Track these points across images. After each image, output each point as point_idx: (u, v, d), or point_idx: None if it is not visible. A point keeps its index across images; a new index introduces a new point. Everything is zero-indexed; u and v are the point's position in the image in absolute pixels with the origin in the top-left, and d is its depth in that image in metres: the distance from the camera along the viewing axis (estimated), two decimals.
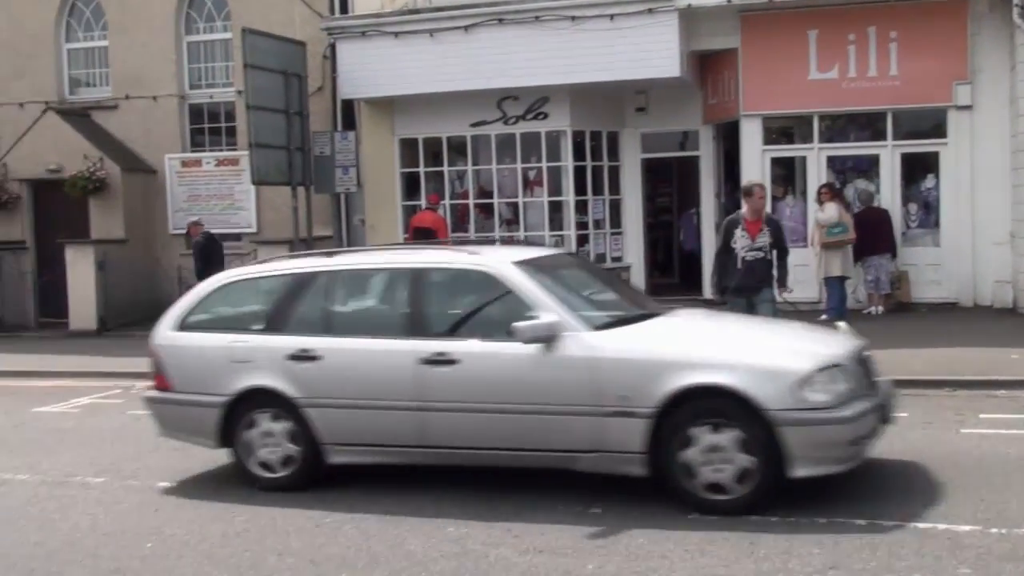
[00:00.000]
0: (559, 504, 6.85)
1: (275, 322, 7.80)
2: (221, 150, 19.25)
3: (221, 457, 8.14)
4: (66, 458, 9.25)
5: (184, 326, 8.06)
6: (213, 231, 17.30)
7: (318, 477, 7.55)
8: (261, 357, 7.60)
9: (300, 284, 7.92)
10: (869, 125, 16.22)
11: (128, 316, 17.66)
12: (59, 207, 18.79)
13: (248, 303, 8.33)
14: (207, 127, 19.58)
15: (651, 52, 15.59)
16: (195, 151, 19.42)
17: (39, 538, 6.82)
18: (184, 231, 17.99)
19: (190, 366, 7.91)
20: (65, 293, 17.97)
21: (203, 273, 16.44)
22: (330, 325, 7.78)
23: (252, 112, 16.04)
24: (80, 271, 17.86)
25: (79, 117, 19.28)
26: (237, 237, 18.79)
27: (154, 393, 8.18)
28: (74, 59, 20.07)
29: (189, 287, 9.85)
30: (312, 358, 7.42)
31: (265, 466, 7.61)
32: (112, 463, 8.92)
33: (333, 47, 17.69)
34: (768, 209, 11.61)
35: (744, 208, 10.48)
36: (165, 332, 8.10)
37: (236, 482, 7.86)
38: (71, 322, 17.98)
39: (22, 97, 19.69)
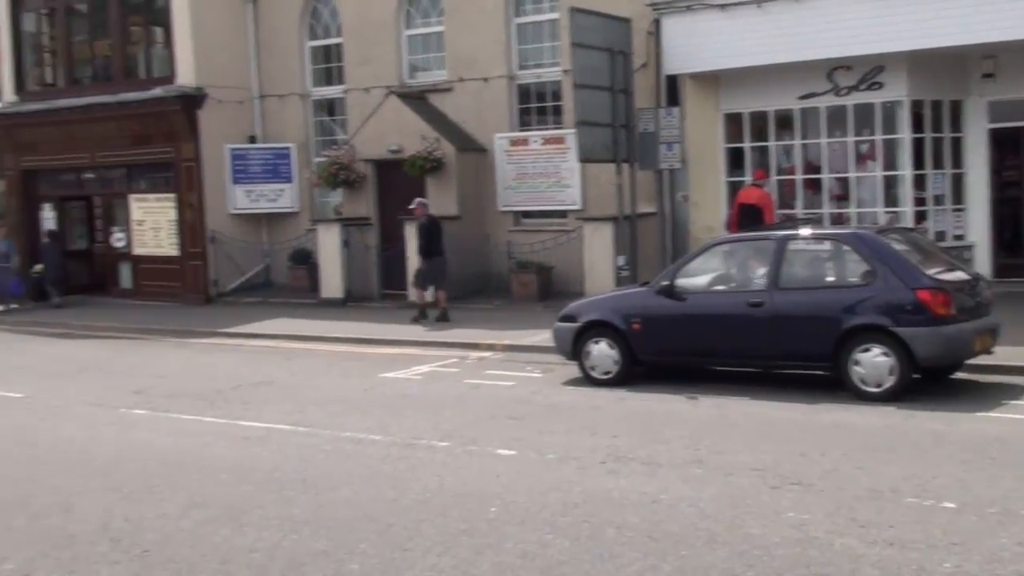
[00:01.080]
0: (905, 497, 6.53)
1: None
2: (547, 129, 19.73)
3: (555, 428, 8.38)
4: (411, 422, 9.86)
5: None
6: (533, 207, 17.75)
7: None
8: None
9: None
10: None
11: (460, 289, 18.54)
12: (399, 185, 20.00)
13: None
14: (534, 106, 20.13)
15: (1003, 11, 14.36)
16: (523, 130, 20.02)
17: (394, 495, 7.30)
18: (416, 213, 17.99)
19: None
20: (403, 267, 19.10)
21: (426, 251, 17.29)
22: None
23: (578, 90, 16.29)
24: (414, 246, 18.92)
25: (417, 100, 20.40)
26: (562, 214, 19.25)
27: None
28: (413, 45, 21.24)
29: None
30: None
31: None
32: (454, 428, 9.41)
33: (657, 23, 17.62)
34: None
35: None
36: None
37: (571, 455, 8.08)
38: (409, 294, 19.10)
39: (367, 83, 21.12)
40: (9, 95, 24.77)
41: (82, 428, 10.38)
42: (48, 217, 24.65)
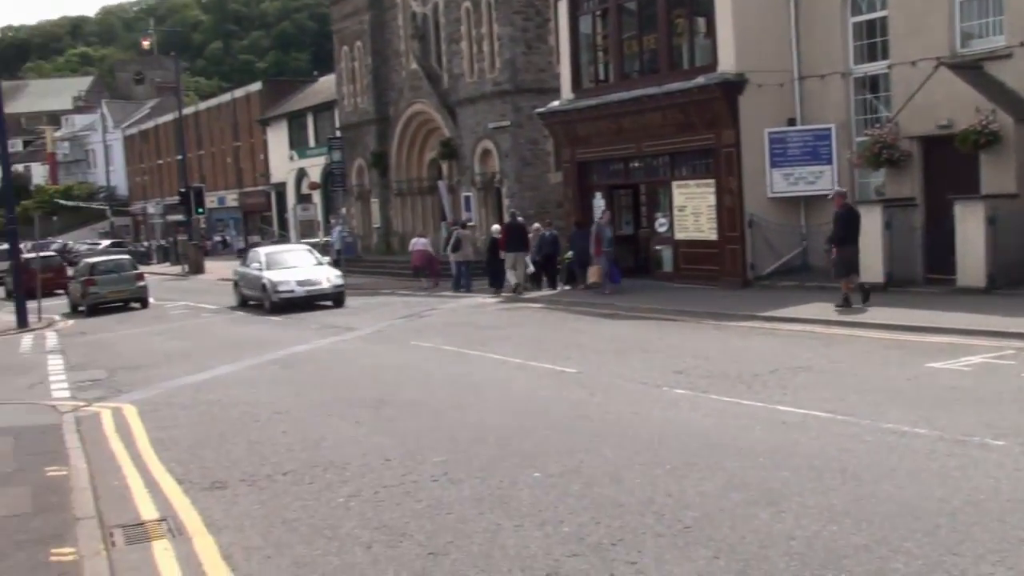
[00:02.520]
0: None
1: None
2: None
3: None
4: (962, 417, 9.20)
5: None
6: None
7: None
8: None
9: None
10: None
11: (1017, 273, 16.92)
12: (948, 163, 18.70)
13: None
14: None
15: None
16: None
17: (941, 494, 6.86)
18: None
19: None
20: (952, 249, 17.86)
21: (842, 240, 17.11)
22: None
23: None
24: (969, 227, 17.59)
25: (970, 70, 18.89)
26: None
27: None
28: (966, 11, 19.70)
29: None
30: None
31: None
32: (1012, 427, 8.61)
33: None
34: None
35: None
36: None
37: None
38: (958, 278, 17.84)
39: (914, 55, 19.96)
40: (567, 93, 26.95)
41: (628, 404, 11.00)
42: (599, 205, 26.45)
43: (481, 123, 33.99)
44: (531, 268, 25.83)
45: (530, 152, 32.73)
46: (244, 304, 27.63)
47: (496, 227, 27.99)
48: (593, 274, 23.25)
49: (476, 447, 9.38)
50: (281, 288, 25.29)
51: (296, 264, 26.88)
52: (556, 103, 27.50)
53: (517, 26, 32.32)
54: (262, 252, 28.40)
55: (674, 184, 24.18)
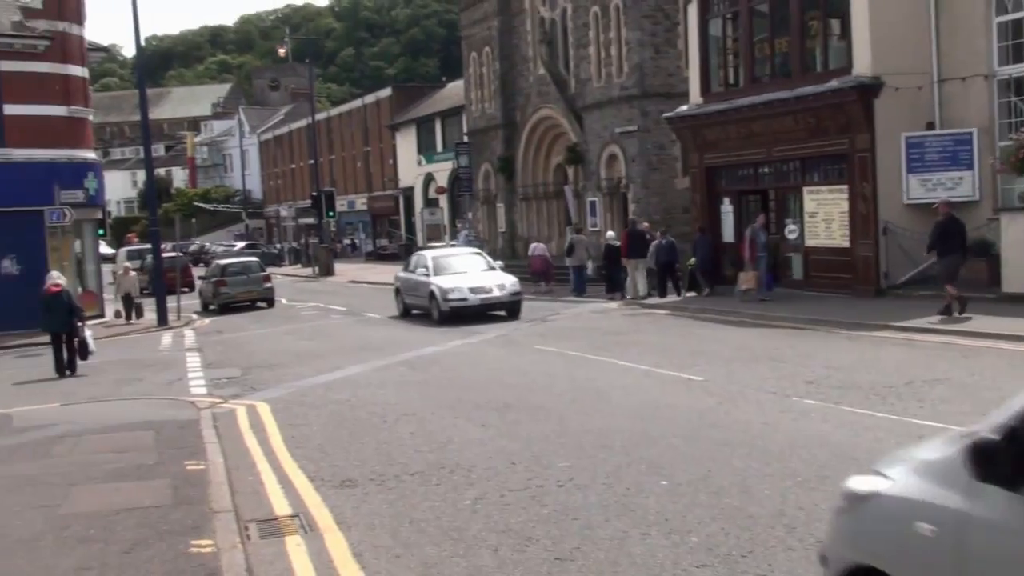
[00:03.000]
0: None
1: None
2: None
3: None
4: None
5: None
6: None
7: None
8: None
9: None
10: None
11: None
12: None
13: None
14: None
15: None
16: None
17: None
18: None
19: None
20: None
21: (941, 250, 17.42)
22: None
23: None
24: None
25: None
26: None
27: None
28: None
29: None
30: None
31: None
32: None
33: None
34: None
35: None
36: None
37: None
38: None
39: None
40: (696, 97, 26.67)
41: (757, 413, 10.80)
42: (727, 211, 26.07)
43: (608, 128, 33.90)
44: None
45: (657, 157, 32.50)
46: (407, 314, 25.46)
47: (611, 234, 28.02)
48: (746, 280, 22.57)
49: (602, 453, 9.34)
50: (452, 296, 22.99)
51: (466, 269, 24.43)
52: (684, 107, 27.25)
53: (646, 30, 32.13)
54: (428, 256, 25.87)
55: (805, 190, 23.67)
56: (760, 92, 24.03)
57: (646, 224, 27.01)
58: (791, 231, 24.23)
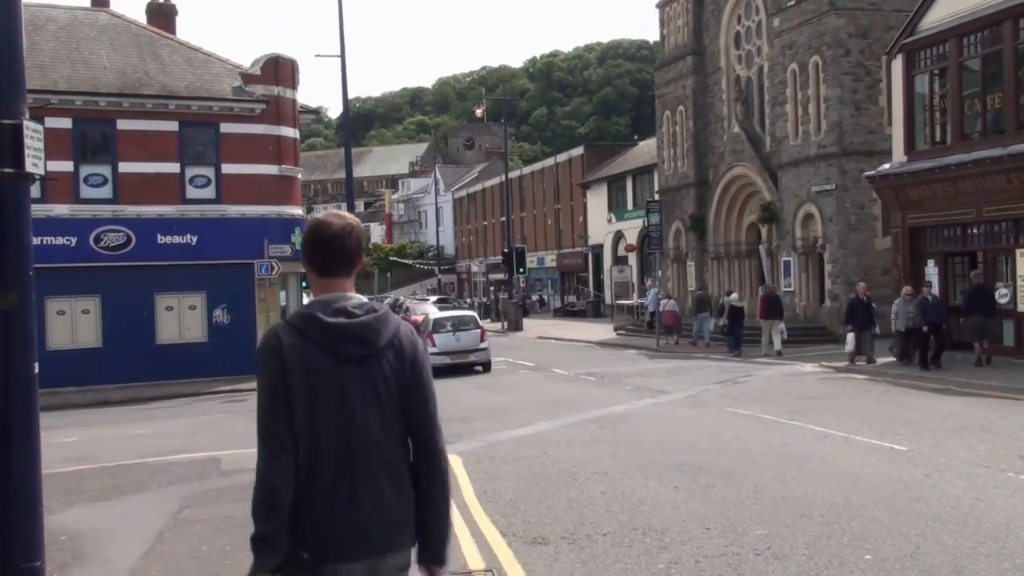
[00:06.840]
0: None
1: None
2: None
3: None
4: None
5: None
6: None
7: None
8: None
9: None
10: None
11: None
12: None
13: None
14: None
15: None
16: None
17: None
18: None
19: None
20: None
21: (966, 311, 21.34)
22: None
23: None
24: None
25: None
26: None
27: None
28: None
29: None
30: None
31: None
32: None
33: None
34: None
35: None
36: None
37: None
38: None
39: None
40: (899, 155, 25.79)
41: (967, 488, 10.21)
42: (932, 272, 24.98)
43: (804, 186, 33.19)
44: (784, 335, 28.17)
45: (855, 216, 31.56)
46: None
47: (734, 295, 31.35)
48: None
49: (800, 523, 9.02)
50: None
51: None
52: (886, 166, 26.38)
53: (846, 87, 31.43)
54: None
55: (1018, 252, 22.44)
56: (969, 150, 23.03)
57: (862, 285, 26.03)
58: (1003, 295, 22.98)
